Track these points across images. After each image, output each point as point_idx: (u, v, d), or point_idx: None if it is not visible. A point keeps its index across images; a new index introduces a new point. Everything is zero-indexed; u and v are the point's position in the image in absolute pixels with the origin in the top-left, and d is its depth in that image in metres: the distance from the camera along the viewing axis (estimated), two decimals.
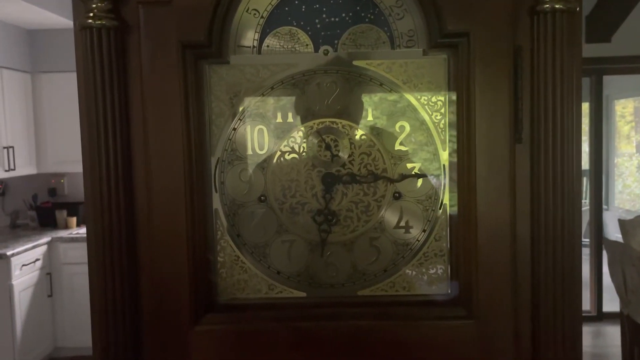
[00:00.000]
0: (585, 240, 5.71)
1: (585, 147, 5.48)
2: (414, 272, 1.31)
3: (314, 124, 1.28)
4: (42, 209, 5.28)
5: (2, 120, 4.73)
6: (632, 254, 3.23)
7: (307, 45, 1.27)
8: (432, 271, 1.31)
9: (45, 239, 4.74)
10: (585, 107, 5.45)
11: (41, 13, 4.59)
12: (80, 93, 1.23)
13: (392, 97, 1.28)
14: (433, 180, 1.29)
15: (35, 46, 5.20)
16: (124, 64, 1.21)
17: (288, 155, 1.29)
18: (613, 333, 4.87)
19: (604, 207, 6.12)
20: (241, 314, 1.28)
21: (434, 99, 1.28)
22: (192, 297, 1.23)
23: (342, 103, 1.28)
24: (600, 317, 5.37)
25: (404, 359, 1.24)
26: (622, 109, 7.78)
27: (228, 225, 1.31)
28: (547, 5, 1.14)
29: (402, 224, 1.30)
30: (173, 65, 1.19)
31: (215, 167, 1.29)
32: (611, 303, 5.10)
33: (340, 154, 1.29)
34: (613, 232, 5.84)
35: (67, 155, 4.98)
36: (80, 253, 4.62)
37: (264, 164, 1.30)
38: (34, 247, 4.54)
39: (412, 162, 1.29)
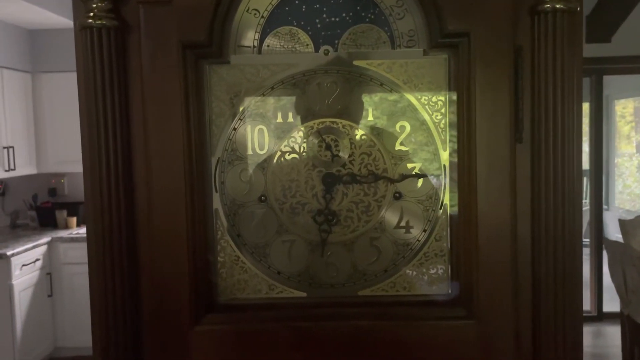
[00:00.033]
0: (586, 240, 5.71)
1: (586, 147, 5.48)
2: (414, 272, 1.31)
3: (315, 124, 1.28)
4: (42, 209, 5.28)
5: (2, 120, 4.73)
6: (633, 254, 3.23)
7: (307, 45, 1.27)
8: (432, 271, 1.31)
9: (46, 239, 4.74)
10: (586, 107, 5.44)
11: (41, 13, 4.59)
12: (80, 93, 1.23)
13: (393, 97, 1.28)
14: (433, 180, 1.29)
15: (36, 46, 5.20)
16: (124, 64, 1.21)
17: (288, 155, 1.29)
18: (613, 333, 4.87)
19: (604, 207, 6.12)
20: (241, 314, 1.28)
21: (434, 99, 1.28)
22: (192, 297, 1.23)
23: (343, 103, 1.28)
24: (601, 317, 5.37)
25: (404, 359, 1.24)
26: (622, 109, 7.78)
27: (228, 225, 1.31)
28: (548, 5, 1.14)
29: (403, 224, 1.30)
30: (173, 65, 1.19)
31: (216, 167, 1.29)
32: (611, 303, 5.10)
33: (341, 154, 1.28)
34: (613, 232, 5.84)
35: (67, 155, 4.98)
36: (80, 253, 4.62)
37: (264, 164, 1.30)
38: (34, 247, 4.54)
39: (412, 162, 1.29)
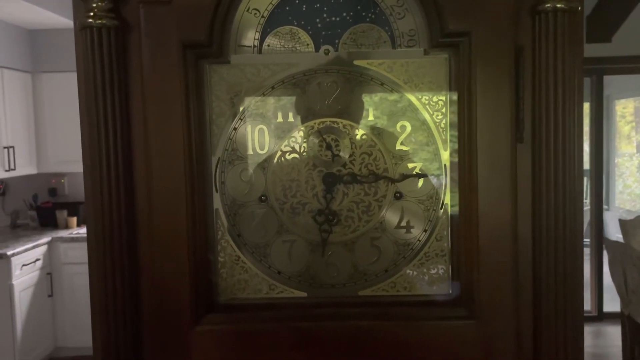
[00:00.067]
0: (586, 240, 5.70)
1: (586, 147, 5.47)
2: (415, 272, 1.31)
3: (315, 123, 1.28)
4: (43, 208, 5.28)
5: (2, 120, 4.73)
6: (633, 254, 3.23)
7: (307, 44, 1.27)
8: (433, 271, 1.30)
9: (46, 238, 4.74)
10: (586, 107, 5.44)
11: (42, 13, 4.59)
12: (80, 92, 1.23)
13: (393, 96, 1.28)
14: (434, 180, 1.29)
15: (36, 46, 5.20)
16: (125, 64, 1.21)
17: (289, 155, 1.29)
18: (614, 333, 4.87)
19: (605, 207, 6.12)
20: (242, 314, 1.28)
21: (435, 99, 1.27)
22: (192, 297, 1.23)
23: (343, 103, 1.28)
24: (601, 317, 5.37)
25: (405, 359, 1.24)
26: (623, 109, 7.78)
27: (229, 225, 1.31)
28: (549, 5, 1.14)
29: (403, 224, 1.30)
30: (174, 64, 1.19)
31: (216, 166, 1.29)
32: (612, 303, 5.09)
33: (341, 153, 1.28)
34: (613, 232, 5.84)
35: (67, 155, 4.98)
36: (80, 253, 4.62)
37: (265, 163, 1.29)
38: (34, 247, 4.54)
39: (413, 162, 1.29)
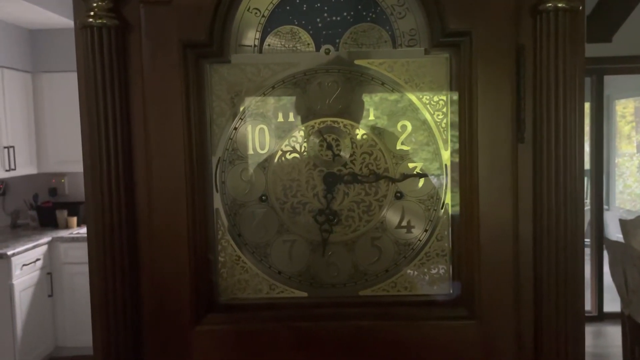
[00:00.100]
0: (586, 241, 5.70)
1: (586, 147, 5.47)
2: (415, 272, 1.30)
3: (315, 123, 1.28)
4: (43, 208, 5.28)
5: (2, 120, 4.73)
6: (633, 254, 3.23)
7: (308, 44, 1.27)
8: (433, 271, 1.30)
9: (46, 238, 4.74)
10: (586, 107, 5.43)
11: (42, 13, 4.59)
12: (80, 92, 1.22)
13: (394, 96, 1.28)
14: (435, 180, 1.29)
15: (36, 46, 5.20)
16: (125, 63, 1.21)
17: (289, 154, 1.29)
18: (614, 333, 4.86)
19: (605, 207, 6.11)
20: (242, 314, 1.28)
21: (435, 99, 1.27)
22: (192, 297, 1.22)
23: (344, 102, 1.28)
24: (601, 317, 5.37)
25: (405, 359, 1.24)
26: (623, 109, 7.77)
27: (229, 225, 1.30)
28: (550, 5, 1.13)
29: (404, 223, 1.30)
30: (174, 64, 1.19)
31: (216, 166, 1.29)
32: (612, 303, 5.09)
33: (342, 153, 1.28)
34: (614, 232, 5.83)
35: (67, 155, 4.98)
36: (80, 253, 4.62)
37: (265, 163, 1.29)
38: (34, 246, 4.54)
39: (413, 161, 1.28)
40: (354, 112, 1.28)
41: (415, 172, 1.28)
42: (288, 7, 1.26)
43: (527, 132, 1.20)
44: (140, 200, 1.23)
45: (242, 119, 1.28)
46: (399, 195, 1.29)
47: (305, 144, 1.29)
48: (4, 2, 4.27)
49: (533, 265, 1.20)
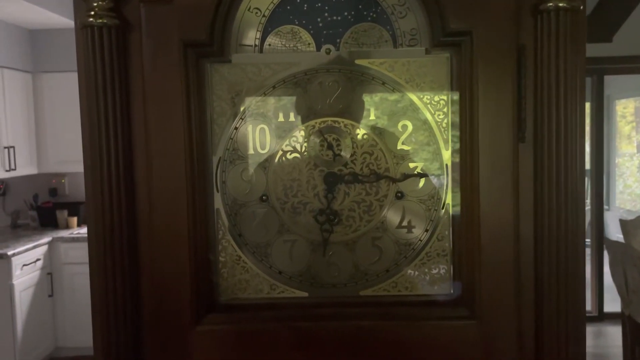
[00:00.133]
0: (587, 241, 5.70)
1: (587, 147, 5.46)
2: (416, 272, 1.30)
3: (316, 123, 1.28)
4: (43, 208, 5.28)
5: (3, 120, 4.73)
6: (634, 254, 3.23)
7: (309, 44, 1.27)
8: (434, 271, 1.30)
9: (46, 238, 4.73)
10: (586, 107, 5.42)
11: (42, 13, 4.59)
12: (81, 92, 1.22)
13: (394, 96, 1.27)
14: (435, 180, 1.29)
15: (37, 46, 5.20)
16: (125, 63, 1.21)
17: (290, 154, 1.29)
18: (614, 333, 4.86)
19: (605, 207, 6.11)
20: (243, 314, 1.28)
21: (436, 98, 1.27)
22: (193, 297, 1.22)
23: (344, 102, 1.27)
24: (602, 317, 5.36)
25: (406, 359, 1.24)
26: (623, 109, 7.77)
27: (229, 224, 1.30)
28: (551, 4, 1.13)
29: (405, 223, 1.29)
30: (174, 64, 1.19)
31: (217, 166, 1.29)
32: (612, 303, 5.09)
33: (343, 153, 1.28)
34: (614, 232, 5.83)
35: (67, 155, 4.98)
36: (80, 253, 4.62)
37: (266, 163, 1.29)
38: (34, 247, 4.54)
39: (414, 161, 1.28)
40: (354, 112, 1.28)
41: (416, 172, 1.28)
42: (289, 7, 1.26)
43: (528, 132, 1.19)
44: (140, 200, 1.23)
45: (242, 119, 1.28)
46: (400, 195, 1.29)
47: (305, 144, 1.28)
48: (4, 2, 4.27)
49: (534, 265, 1.20)
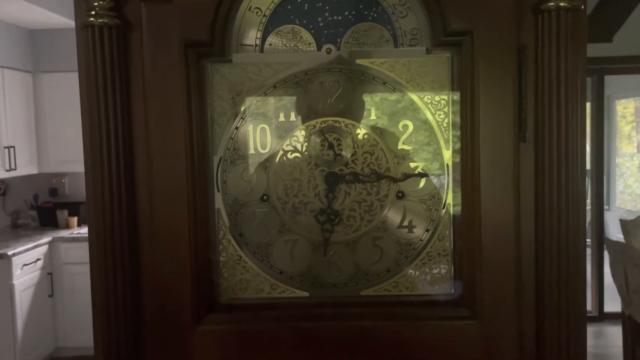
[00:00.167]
0: (587, 241, 5.69)
1: (587, 147, 5.46)
2: (417, 272, 1.30)
3: (317, 122, 1.28)
4: (43, 208, 5.28)
5: (3, 120, 4.73)
6: (634, 254, 3.23)
7: (309, 43, 1.27)
8: (435, 271, 1.30)
9: (46, 238, 4.73)
10: (587, 107, 5.42)
11: (42, 13, 4.59)
12: (81, 91, 1.22)
13: (395, 95, 1.27)
14: (436, 180, 1.29)
15: (37, 46, 5.20)
16: (126, 63, 1.21)
17: (290, 154, 1.29)
18: (614, 333, 4.86)
19: (605, 207, 6.11)
20: (243, 314, 1.28)
21: (437, 98, 1.27)
22: (194, 297, 1.22)
23: (345, 102, 1.27)
24: (602, 317, 5.36)
25: (407, 359, 1.23)
26: (623, 109, 7.77)
27: (230, 224, 1.30)
28: (552, 4, 1.13)
29: (406, 223, 1.29)
30: (175, 63, 1.19)
31: (218, 166, 1.29)
32: (613, 303, 5.09)
33: (343, 153, 1.28)
34: (614, 232, 5.83)
35: (68, 155, 4.98)
36: (81, 253, 4.62)
37: (267, 163, 1.29)
38: (35, 246, 4.54)
39: (415, 161, 1.28)
40: (355, 112, 1.28)
41: (416, 172, 1.28)
42: (289, 7, 1.26)
43: (529, 132, 1.19)
44: (141, 200, 1.23)
45: (243, 119, 1.28)
46: (401, 195, 1.29)
47: (306, 144, 1.28)
48: (4, 2, 4.27)
49: (535, 265, 1.20)
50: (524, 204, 1.20)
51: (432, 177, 1.28)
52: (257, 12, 1.26)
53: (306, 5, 1.26)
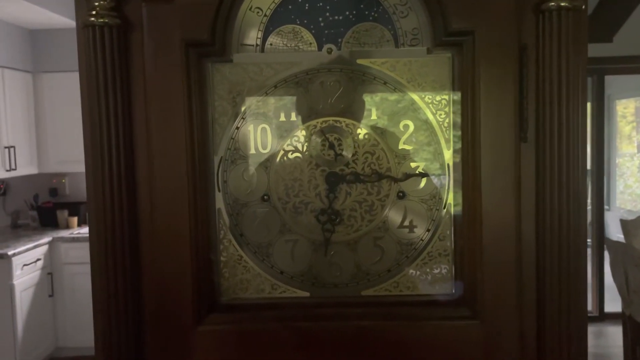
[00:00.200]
0: (587, 241, 5.69)
1: (587, 148, 5.45)
2: (418, 272, 1.30)
3: (318, 122, 1.28)
4: (43, 208, 5.28)
5: (3, 120, 4.73)
6: (634, 254, 3.22)
7: (310, 43, 1.26)
8: (436, 271, 1.30)
9: (47, 238, 4.73)
10: (587, 107, 5.42)
11: (43, 13, 4.59)
12: (82, 91, 1.22)
13: (396, 95, 1.27)
14: (437, 180, 1.29)
15: (37, 46, 5.20)
16: (127, 63, 1.21)
17: (291, 154, 1.29)
18: (615, 333, 4.86)
19: (606, 207, 6.11)
20: (244, 314, 1.27)
21: (438, 98, 1.27)
22: (194, 297, 1.22)
23: (346, 102, 1.27)
24: (602, 317, 5.36)
25: (407, 359, 1.23)
26: (624, 109, 7.77)
27: (231, 224, 1.30)
28: (553, 4, 1.13)
29: (406, 223, 1.29)
30: (176, 63, 1.19)
31: (218, 166, 1.29)
32: (613, 303, 5.09)
33: (344, 153, 1.28)
34: (615, 233, 5.83)
35: (68, 155, 4.98)
36: (81, 253, 4.62)
37: (267, 163, 1.29)
38: (35, 247, 4.54)
39: (415, 161, 1.28)
40: (356, 112, 1.28)
41: (417, 172, 1.28)
42: (290, 6, 1.26)
43: (530, 132, 1.19)
44: (142, 200, 1.23)
45: (244, 119, 1.28)
46: (401, 195, 1.29)
47: (307, 144, 1.28)
48: (4, 2, 4.27)
49: (536, 265, 1.20)
50: (525, 204, 1.20)
51: (432, 177, 1.28)
52: (258, 12, 1.26)
53: (307, 5, 1.26)
